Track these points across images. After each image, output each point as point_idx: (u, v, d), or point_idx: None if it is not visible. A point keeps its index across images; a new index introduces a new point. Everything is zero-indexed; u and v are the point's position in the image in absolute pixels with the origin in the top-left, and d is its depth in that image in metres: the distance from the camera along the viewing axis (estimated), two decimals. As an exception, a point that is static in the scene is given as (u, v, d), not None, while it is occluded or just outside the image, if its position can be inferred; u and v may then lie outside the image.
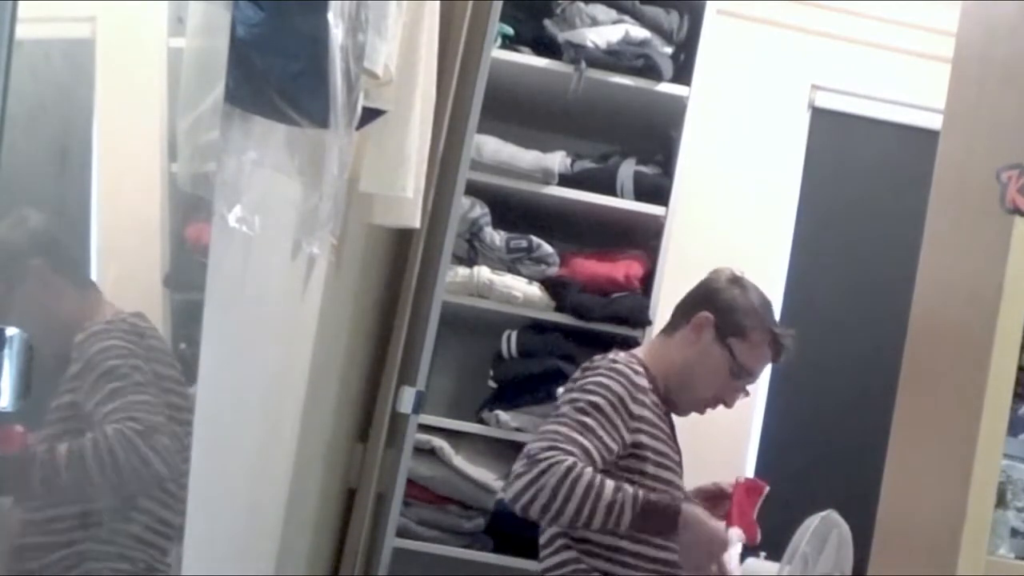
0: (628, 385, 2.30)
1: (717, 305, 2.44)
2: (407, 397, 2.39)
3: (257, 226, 1.52)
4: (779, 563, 2.85)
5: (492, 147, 3.18)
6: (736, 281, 2.52)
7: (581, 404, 2.23)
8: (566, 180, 3.20)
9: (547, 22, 3.24)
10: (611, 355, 2.36)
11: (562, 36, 3.18)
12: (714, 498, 2.46)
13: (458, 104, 2.37)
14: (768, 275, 3.67)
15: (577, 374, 2.36)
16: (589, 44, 3.14)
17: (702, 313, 2.42)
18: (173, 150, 1.39)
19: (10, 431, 1.09)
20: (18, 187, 1.06)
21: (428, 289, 2.41)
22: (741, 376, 2.46)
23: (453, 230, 2.42)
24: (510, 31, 3.17)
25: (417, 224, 2.24)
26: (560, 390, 2.38)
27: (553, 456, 2.12)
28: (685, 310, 2.46)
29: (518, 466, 2.14)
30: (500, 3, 2.41)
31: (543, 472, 2.10)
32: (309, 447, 2.19)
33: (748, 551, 2.83)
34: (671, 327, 2.47)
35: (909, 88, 3.62)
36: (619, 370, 2.31)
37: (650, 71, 3.17)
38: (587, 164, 3.24)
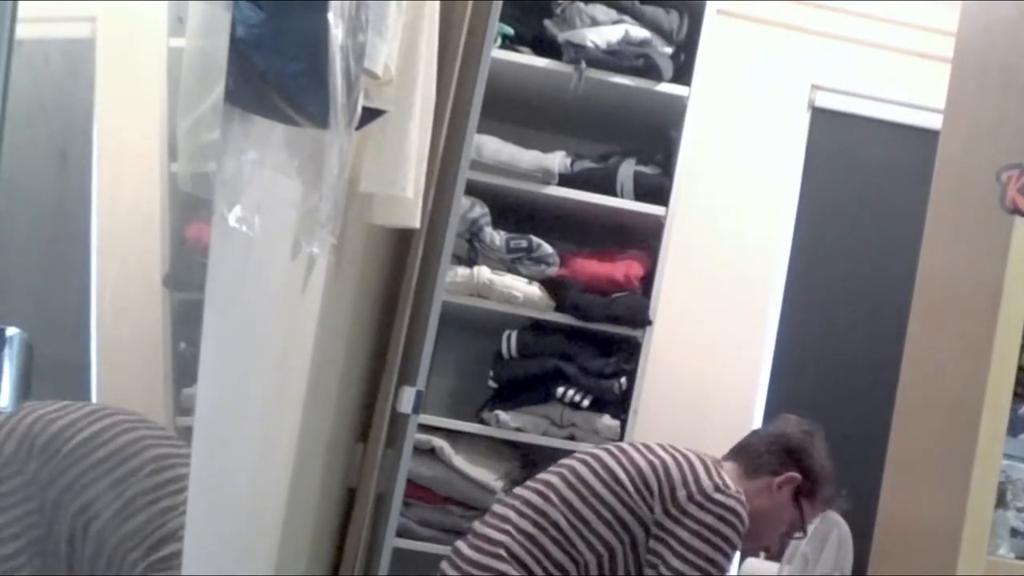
0: (743, 534, 2.31)
1: (805, 468, 2.46)
2: (407, 397, 2.38)
3: (257, 226, 1.52)
4: (779, 563, 2.85)
5: (492, 147, 3.18)
6: (816, 440, 2.53)
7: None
8: (566, 180, 3.20)
9: (547, 22, 3.24)
10: (736, 490, 2.32)
11: (562, 36, 3.18)
12: None
13: (458, 104, 2.37)
14: (768, 275, 3.68)
15: (711, 507, 2.28)
16: (589, 44, 3.14)
17: (792, 474, 2.44)
18: (173, 150, 1.40)
19: None
20: (18, 187, 1.06)
21: (428, 289, 2.41)
22: (797, 532, 2.52)
23: (453, 230, 2.42)
24: (510, 31, 3.17)
25: (417, 224, 2.24)
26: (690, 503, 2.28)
27: None
28: (770, 459, 2.45)
29: None
30: (500, 3, 2.40)
31: None
32: (309, 447, 2.19)
33: (748, 552, 2.83)
34: (753, 469, 2.44)
35: (909, 88, 3.62)
36: (742, 518, 2.30)
37: (650, 71, 3.17)
38: (587, 164, 3.24)
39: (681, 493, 2.29)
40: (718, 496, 2.28)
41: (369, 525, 2.43)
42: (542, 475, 2.43)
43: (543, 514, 2.31)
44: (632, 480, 2.31)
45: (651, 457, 2.35)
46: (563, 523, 2.29)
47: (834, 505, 2.54)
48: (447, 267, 2.49)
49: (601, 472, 2.33)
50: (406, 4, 1.92)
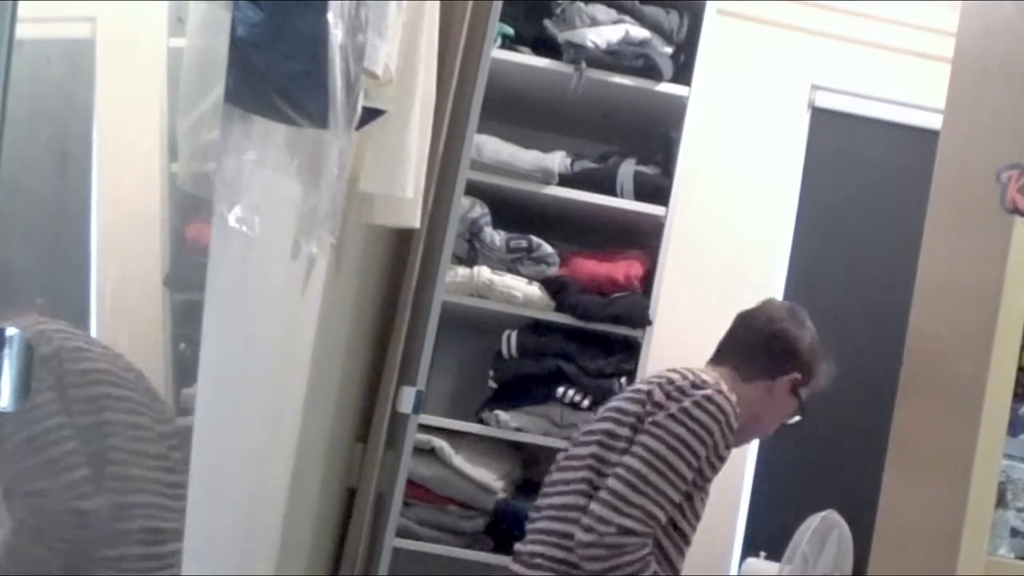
0: (726, 427, 2.30)
1: (802, 364, 2.47)
2: (407, 397, 2.39)
3: (257, 226, 1.52)
4: (779, 563, 2.85)
5: (492, 147, 3.18)
6: (805, 328, 2.51)
7: (675, 463, 2.23)
8: (566, 180, 3.20)
9: (547, 22, 3.24)
10: (715, 383, 2.33)
11: (562, 36, 3.18)
12: None
13: (458, 104, 2.37)
14: (768, 275, 3.68)
15: (680, 396, 2.31)
16: (589, 44, 3.14)
17: (793, 375, 2.46)
18: (173, 150, 1.39)
19: None
20: (18, 187, 1.06)
21: (428, 289, 2.41)
22: (796, 417, 2.53)
23: (453, 230, 2.42)
24: (510, 31, 3.17)
25: (417, 224, 2.24)
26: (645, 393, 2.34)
27: (636, 556, 2.18)
28: (767, 361, 2.46)
29: (597, 543, 2.18)
30: (500, 3, 2.40)
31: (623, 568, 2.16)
32: (309, 447, 2.19)
33: (748, 551, 2.83)
34: (750, 373, 2.45)
35: (909, 88, 3.62)
36: (725, 410, 2.30)
37: (650, 71, 3.17)
38: (587, 164, 3.24)
39: (658, 393, 2.32)
40: (694, 391, 2.31)
41: (369, 525, 2.43)
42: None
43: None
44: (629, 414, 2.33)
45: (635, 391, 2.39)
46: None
47: (828, 375, 2.53)
48: (447, 267, 2.49)
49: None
50: (406, 4, 1.92)
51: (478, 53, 2.35)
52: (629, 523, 2.18)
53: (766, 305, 2.59)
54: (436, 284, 2.39)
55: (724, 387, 2.34)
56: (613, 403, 2.42)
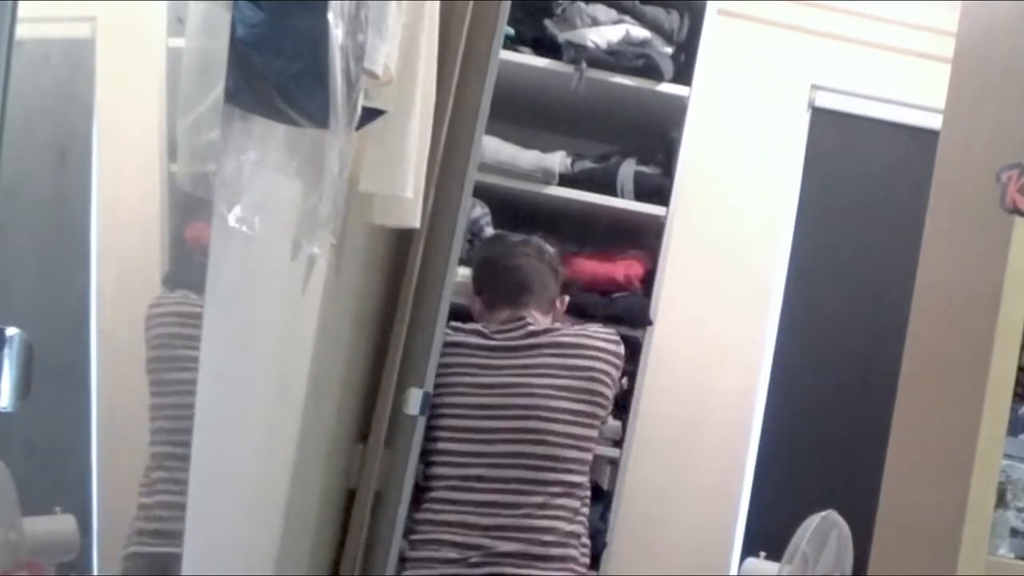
0: None
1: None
2: (414, 399, 2.38)
3: (257, 226, 1.52)
4: (779, 563, 2.85)
5: (492, 147, 3.18)
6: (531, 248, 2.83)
7: None
8: (566, 180, 3.20)
9: (547, 22, 3.24)
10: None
11: (562, 36, 3.18)
12: None
13: (458, 104, 2.37)
14: (768, 275, 3.68)
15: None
16: (589, 44, 3.14)
17: (563, 296, 2.83)
18: (173, 150, 1.39)
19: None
20: (18, 187, 1.06)
21: (429, 289, 2.41)
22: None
23: (462, 231, 2.42)
24: (510, 31, 3.17)
25: (417, 224, 2.24)
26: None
27: None
28: (544, 290, 2.75)
29: None
30: (508, 4, 2.40)
31: None
32: (309, 447, 2.19)
33: (748, 551, 2.83)
34: (546, 309, 2.76)
35: (909, 88, 3.62)
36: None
37: (650, 71, 3.17)
38: (587, 164, 3.24)
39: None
40: None
41: (369, 525, 2.43)
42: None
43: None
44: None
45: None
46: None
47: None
48: (455, 269, 2.49)
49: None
50: (406, 4, 1.92)
51: (481, 53, 2.35)
52: None
53: (495, 243, 2.94)
54: (444, 286, 2.38)
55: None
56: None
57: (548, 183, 3.19)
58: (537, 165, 3.19)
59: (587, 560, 2.61)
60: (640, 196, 3.19)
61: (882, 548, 2.41)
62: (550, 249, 2.80)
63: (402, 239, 2.44)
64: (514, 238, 2.87)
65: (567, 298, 2.84)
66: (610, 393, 2.63)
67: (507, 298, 2.70)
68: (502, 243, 2.86)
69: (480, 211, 3.15)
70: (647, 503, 3.53)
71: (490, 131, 3.16)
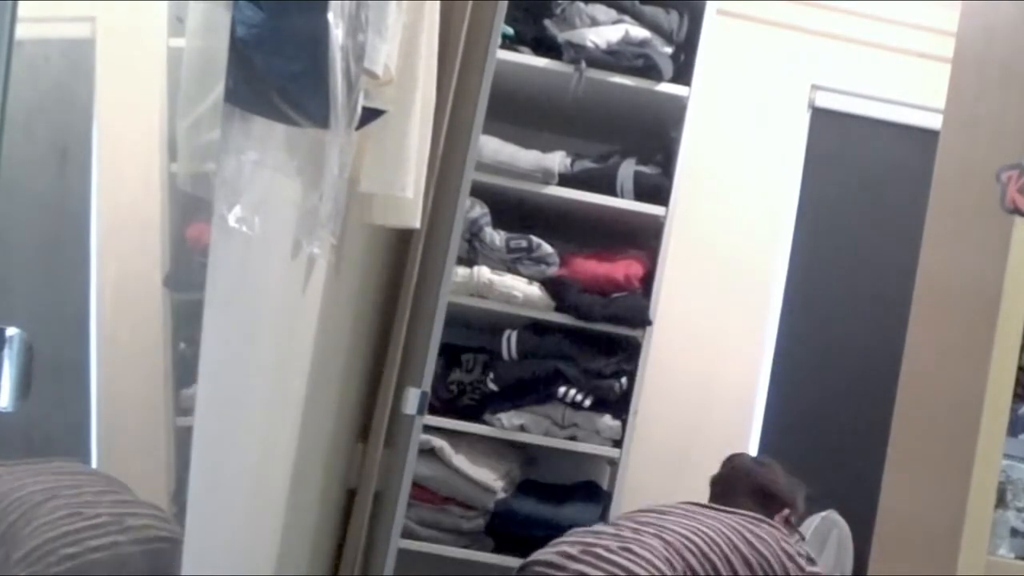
0: None
1: (788, 502, 2.70)
2: (411, 398, 2.38)
3: (257, 226, 1.52)
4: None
5: (492, 147, 3.18)
6: (776, 469, 2.79)
7: None
8: (566, 180, 3.20)
9: (547, 22, 3.24)
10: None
11: (562, 36, 3.18)
12: None
13: (458, 104, 2.37)
14: (768, 275, 3.68)
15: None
16: (589, 44, 3.14)
17: (783, 512, 2.67)
18: (173, 150, 1.39)
19: None
20: (18, 187, 1.06)
21: (429, 289, 2.41)
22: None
23: (459, 231, 2.41)
24: (510, 31, 3.17)
25: (417, 224, 2.24)
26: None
27: None
28: (759, 510, 2.61)
29: None
30: (505, 4, 2.40)
31: None
32: (309, 447, 2.19)
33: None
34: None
35: (909, 88, 3.62)
36: None
37: (650, 71, 3.17)
38: (587, 164, 3.24)
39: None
40: (811, 568, 2.47)
41: (368, 525, 2.43)
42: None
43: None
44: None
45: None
46: None
47: (805, 503, 2.78)
48: (452, 269, 2.49)
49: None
50: (406, 4, 1.92)
51: (480, 54, 2.35)
52: None
53: (735, 461, 2.85)
54: (441, 286, 2.38)
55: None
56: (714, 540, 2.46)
57: (548, 183, 3.19)
58: (537, 165, 3.19)
59: None
60: (640, 196, 3.19)
61: (882, 548, 2.41)
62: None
63: (402, 239, 2.44)
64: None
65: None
66: None
67: None
68: None
69: (480, 211, 3.15)
70: (647, 503, 3.53)
71: (490, 131, 3.17)
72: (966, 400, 2.05)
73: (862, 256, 3.70)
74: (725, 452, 3.61)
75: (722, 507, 2.55)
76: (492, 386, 3.21)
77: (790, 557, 2.42)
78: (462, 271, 3.15)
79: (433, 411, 3.06)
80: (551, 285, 3.19)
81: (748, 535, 2.43)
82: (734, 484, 2.75)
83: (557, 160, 3.21)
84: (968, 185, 2.28)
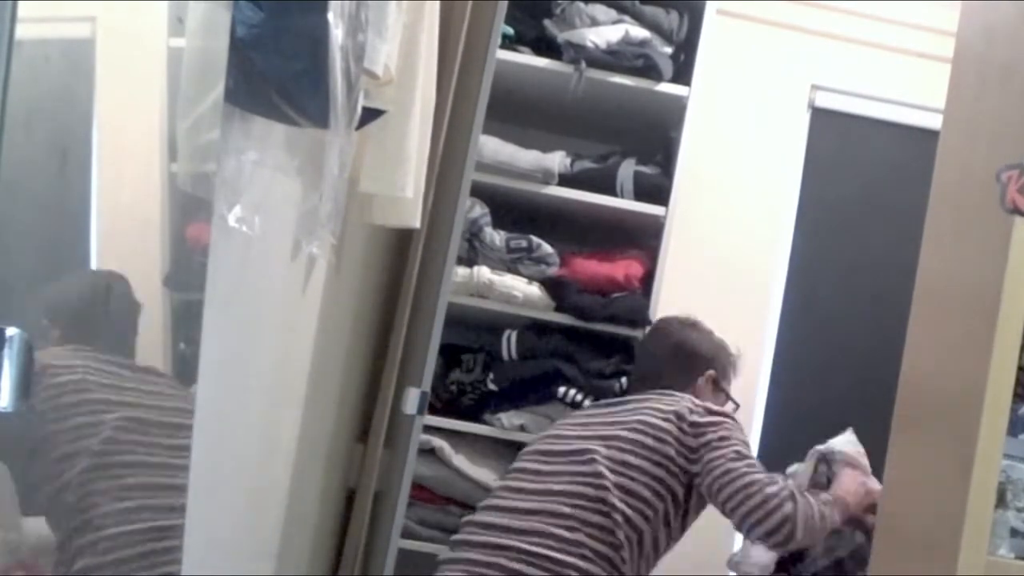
0: None
1: (711, 360, 2.84)
2: (412, 398, 2.38)
3: (257, 226, 1.52)
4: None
5: (492, 147, 3.18)
6: (700, 328, 2.91)
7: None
8: (566, 180, 3.20)
9: (547, 22, 3.24)
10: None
11: (562, 36, 3.18)
12: None
13: (458, 104, 2.37)
14: (768, 275, 3.68)
15: (717, 420, 2.60)
16: (589, 44, 3.14)
17: (708, 372, 2.82)
18: (173, 150, 1.39)
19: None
20: (18, 187, 1.06)
21: (429, 289, 2.41)
22: (730, 405, 2.85)
23: (459, 231, 2.41)
24: (510, 31, 3.17)
25: (417, 224, 2.24)
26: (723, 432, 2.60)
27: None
28: (681, 373, 2.78)
29: (777, 510, 2.49)
30: (505, 4, 2.40)
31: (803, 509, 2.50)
32: (309, 447, 2.19)
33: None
34: (680, 385, 2.74)
35: (909, 88, 3.62)
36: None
37: (650, 71, 3.17)
38: (587, 164, 3.24)
39: (689, 416, 2.57)
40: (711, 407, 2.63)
41: (369, 525, 2.43)
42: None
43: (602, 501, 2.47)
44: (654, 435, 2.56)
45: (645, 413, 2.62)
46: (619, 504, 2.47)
47: (736, 365, 2.91)
48: (452, 268, 2.49)
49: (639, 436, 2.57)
50: (406, 4, 1.92)
51: (480, 54, 2.35)
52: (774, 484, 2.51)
53: (658, 324, 2.97)
54: (442, 286, 2.38)
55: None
56: (629, 415, 2.61)
57: (548, 183, 3.19)
58: (537, 165, 3.19)
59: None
60: (639, 196, 3.19)
61: (882, 548, 2.41)
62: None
63: (402, 239, 2.45)
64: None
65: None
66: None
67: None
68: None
69: (480, 211, 3.15)
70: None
71: (490, 131, 3.17)
72: (966, 400, 2.05)
73: (862, 256, 3.70)
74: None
75: (625, 402, 2.66)
76: (492, 386, 3.21)
77: (682, 416, 2.54)
78: (462, 271, 3.15)
79: (433, 411, 3.07)
80: (551, 285, 3.19)
81: (651, 426, 2.55)
82: (656, 346, 2.86)
83: (557, 160, 3.21)
84: (968, 185, 2.28)
